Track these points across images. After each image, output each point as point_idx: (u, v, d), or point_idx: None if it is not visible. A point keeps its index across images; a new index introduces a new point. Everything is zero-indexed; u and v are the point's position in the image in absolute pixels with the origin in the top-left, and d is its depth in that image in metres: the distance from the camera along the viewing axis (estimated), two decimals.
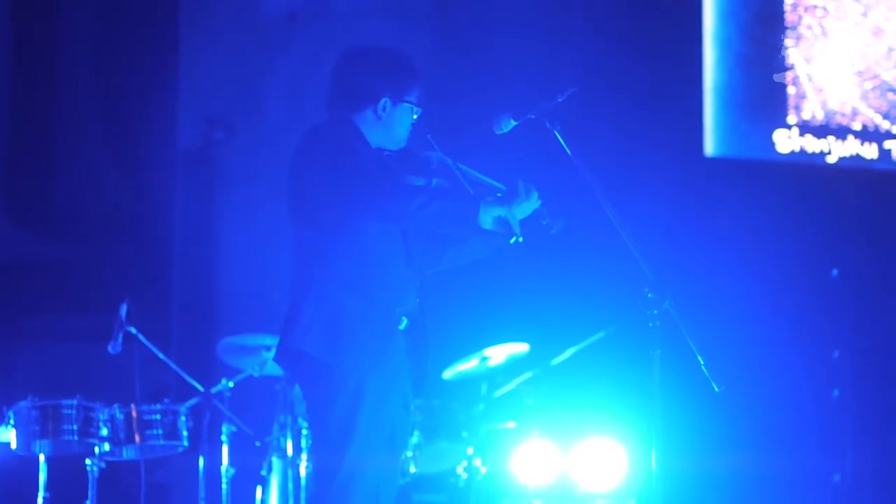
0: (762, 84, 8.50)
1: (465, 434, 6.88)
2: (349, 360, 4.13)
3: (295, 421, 6.40)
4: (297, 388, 6.13)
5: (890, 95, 8.67)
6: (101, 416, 6.11)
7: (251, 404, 6.78)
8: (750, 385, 7.45)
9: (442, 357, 6.92)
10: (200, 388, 6.43)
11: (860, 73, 8.64)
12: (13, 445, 6.06)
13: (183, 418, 6.28)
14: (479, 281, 7.03)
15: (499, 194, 4.18)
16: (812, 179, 8.50)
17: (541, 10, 8.28)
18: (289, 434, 6.40)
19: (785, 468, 8.00)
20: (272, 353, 6.20)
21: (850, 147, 8.56)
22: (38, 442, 6.05)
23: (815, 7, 8.61)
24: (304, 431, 6.36)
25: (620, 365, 6.94)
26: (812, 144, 8.52)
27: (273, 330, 6.17)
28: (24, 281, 8.06)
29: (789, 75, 8.52)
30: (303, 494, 6.35)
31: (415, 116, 4.37)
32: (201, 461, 6.46)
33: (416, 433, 6.65)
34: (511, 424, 7.25)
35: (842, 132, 8.57)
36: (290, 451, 6.40)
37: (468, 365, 6.97)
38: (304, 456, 6.35)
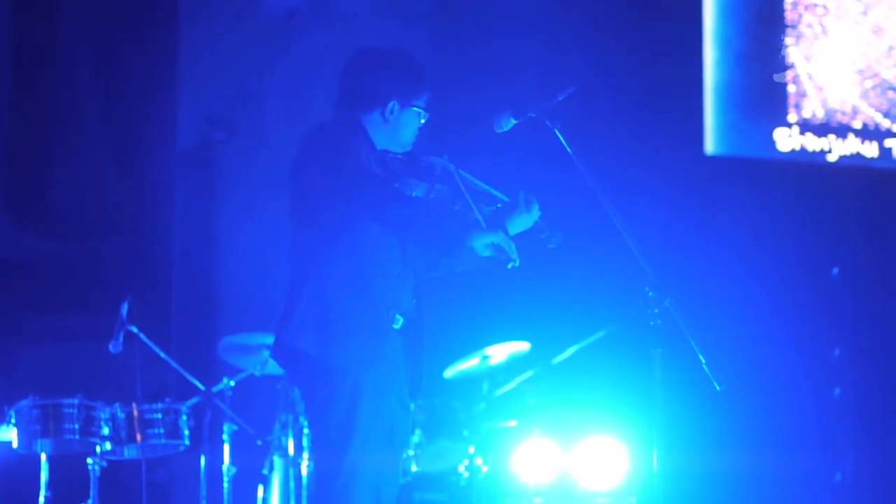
0: (762, 83, 8.50)
1: (466, 433, 6.89)
2: (343, 357, 4.14)
3: (296, 420, 6.40)
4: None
5: (890, 94, 8.67)
6: (102, 415, 6.11)
7: (252, 403, 6.78)
8: (751, 384, 7.45)
9: (442, 356, 6.93)
10: (201, 387, 6.43)
11: (860, 72, 8.64)
12: (14, 444, 6.06)
13: (184, 417, 6.27)
14: (480, 280, 7.02)
15: (499, 205, 4.19)
16: (812, 178, 8.50)
17: (541, 9, 8.28)
18: (290, 433, 6.41)
19: (786, 467, 8.00)
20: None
21: (850, 145, 8.56)
22: (39, 441, 6.05)
23: (816, 5, 8.61)
24: (306, 430, 6.36)
25: (621, 364, 6.93)
26: (812, 143, 8.52)
27: (273, 329, 6.19)
28: (24, 280, 8.06)
29: (789, 74, 8.52)
30: (304, 493, 6.35)
31: (422, 121, 4.38)
32: (203, 460, 6.46)
33: (418, 432, 6.66)
34: (512, 423, 7.25)
35: (842, 131, 8.57)
36: (291, 450, 6.41)
37: (469, 364, 6.97)
38: (305, 455, 6.36)
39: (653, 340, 3.94)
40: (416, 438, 6.65)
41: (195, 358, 7.14)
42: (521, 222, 4.17)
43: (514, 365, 7.09)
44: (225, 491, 6.45)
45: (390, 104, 4.32)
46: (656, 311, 3.92)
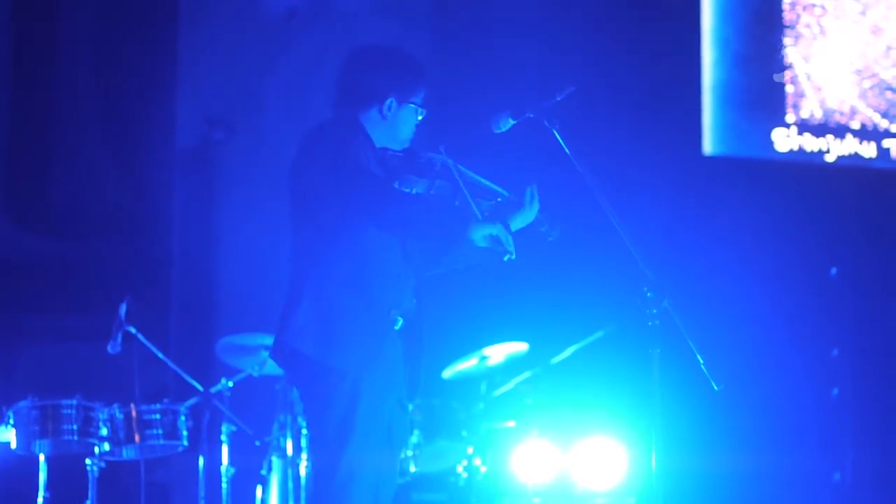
0: (761, 83, 8.50)
1: (464, 433, 6.89)
2: (343, 359, 4.15)
3: (295, 420, 6.40)
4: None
5: (888, 94, 8.67)
6: (100, 416, 6.11)
7: (251, 404, 6.78)
8: (749, 384, 7.45)
9: (440, 357, 6.93)
10: (200, 388, 6.43)
11: (859, 72, 8.65)
12: (13, 445, 6.06)
13: (183, 418, 6.28)
14: (479, 280, 7.03)
15: (498, 199, 4.19)
16: (811, 178, 8.50)
17: (540, 9, 8.28)
18: (288, 433, 6.41)
19: (785, 467, 8.00)
20: None
21: (848, 146, 8.56)
22: (37, 442, 6.05)
23: (814, 6, 8.61)
24: (304, 431, 6.36)
25: (620, 364, 6.94)
26: (811, 143, 8.52)
27: (272, 329, 6.18)
28: (23, 281, 8.06)
29: (788, 74, 8.53)
30: (303, 494, 6.36)
31: (420, 117, 4.39)
32: (201, 461, 6.46)
33: (416, 432, 6.66)
34: (511, 423, 7.26)
35: (840, 131, 8.57)
36: (289, 451, 6.41)
37: (468, 364, 6.97)
38: (303, 455, 6.36)
39: (651, 341, 3.94)
40: (414, 439, 6.65)
41: (194, 358, 7.14)
42: (523, 217, 4.17)
43: (513, 365, 7.09)
44: (223, 491, 6.45)
45: (388, 101, 4.33)
46: (655, 311, 3.92)
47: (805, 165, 8.52)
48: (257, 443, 6.54)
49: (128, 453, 6.25)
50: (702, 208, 8.20)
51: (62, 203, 8.43)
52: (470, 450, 6.92)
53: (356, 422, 4.12)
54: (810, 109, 8.53)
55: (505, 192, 4.24)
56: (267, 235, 7.62)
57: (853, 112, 8.59)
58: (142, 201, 8.27)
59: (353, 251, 4.19)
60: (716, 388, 3.95)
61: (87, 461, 6.11)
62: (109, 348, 6.14)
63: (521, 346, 7.02)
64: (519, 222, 4.16)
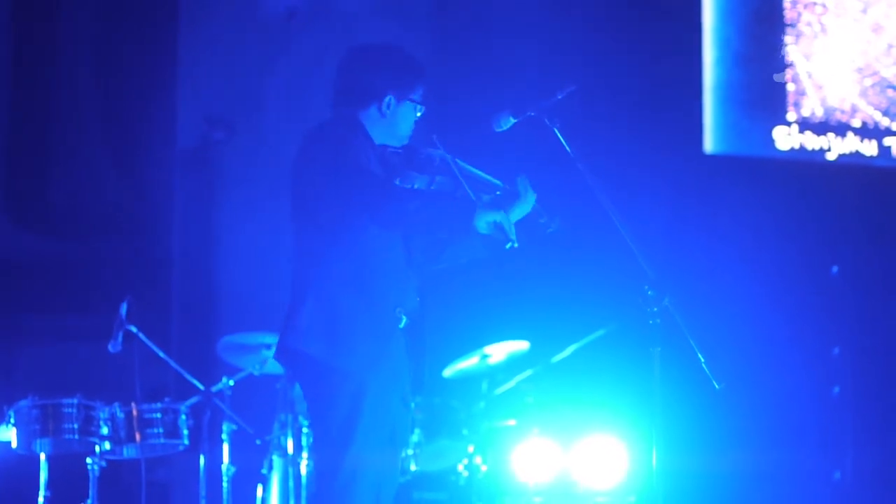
0: (762, 81, 8.50)
1: (465, 432, 6.89)
2: (349, 360, 4.15)
3: (295, 419, 6.40)
4: (297, 387, 6.13)
5: (889, 92, 8.67)
6: (101, 415, 6.10)
7: (251, 403, 6.78)
8: (750, 382, 7.45)
9: (442, 355, 6.93)
10: (201, 387, 6.43)
11: (860, 70, 8.64)
12: (14, 444, 6.05)
13: (183, 417, 6.27)
14: (480, 279, 7.04)
15: (497, 192, 4.19)
16: (812, 176, 8.50)
17: (541, 9, 8.28)
18: (289, 432, 6.40)
19: (785, 465, 8.00)
20: (272, 352, 6.23)
21: (849, 144, 8.56)
22: (38, 441, 6.04)
23: (815, 4, 8.61)
24: (305, 430, 6.36)
25: (621, 362, 6.93)
26: (812, 141, 8.52)
27: (273, 328, 6.18)
28: (24, 280, 8.06)
29: (789, 72, 8.52)
30: (303, 493, 6.35)
31: (418, 114, 4.39)
32: (202, 460, 6.46)
33: (417, 431, 6.66)
34: (511, 422, 7.26)
35: (841, 129, 8.57)
36: (290, 450, 6.41)
37: (468, 363, 6.97)
38: (304, 454, 6.36)
39: (652, 339, 3.94)
40: (415, 437, 6.64)
41: (194, 357, 7.14)
42: (521, 208, 4.17)
43: (514, 364, 7.09)
44: (224, 490, 6.45)
45: (386, 98, 4.33)
46: (655, 309, 3.92)
47: (806, 164, 8.52)
48: (258, 441, 6.54)
49: (128, 452, 6.25)
50: (703, 207, 8.20)
51: (62, 203, 8.43)
52: (471, 448, 6.92)
53: (360, 421, 4.12)
54: (811, 108, 8.53)
55: (503, 185, 4.25)
56: (267, 234, 7.63)
57: (854, 110, 8.59)
58: (142, 201, 8.27)
59: (355, 251, 4.19)
60: (717, 386, 3.95)
61: (88, 460, 6.10)
62: (110, 347, 6.14)
63: (522, 345, 7.02)
64: (517, 213, 4.16)
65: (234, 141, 8.16)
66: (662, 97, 8.13)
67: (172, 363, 6.45)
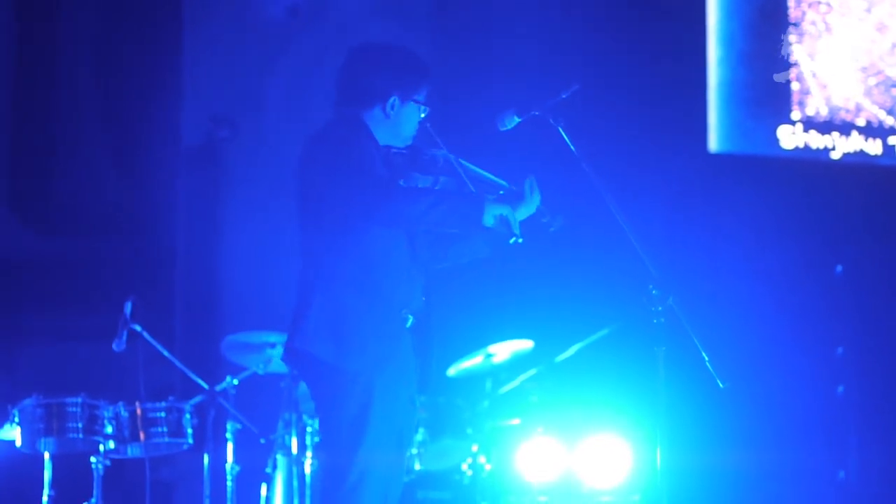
0: (766, 80, 8.49)
1: (469, 431, 6.89)
2: (357, 361, 4.15)
3: (300, 418, 6.40)
4: (301, 386, 6.14)
5: (894, 91, 8.66)
6: (105, 414, 6.11)
7: (256, 402, 6.78)
8: (754, 382, 7.45)
9: (446, 354, 6.93)
10: (205, 386, 6.43)
11: (864, 69, 8.64)
12: (18, 443, 6.06)
13: (188, 416, 6.28)
14: (484, 278, 7.04)
15: (501, 192, 4.20)
16: (816, 175, 8.50)
17: (542, 8, 8.28)
18: (293, 431, 6.40)
19: (789, 465, 8.00)
20: (277, 351, 6.24)
21: (854, 143, 8.55)
22: (42, 440, 6.05)
23: (819, 3, 8.60)
24: (309, 429, 6.36)
25: (625, 362, 6.94)
26: (816, 140, 8.51)
27: (277, 327, 6.20)
28: (26, 279, 8.06)
29: (793, 71, 8.52)
30: (308, 492, 6.35)
31: (422, 115, 4.38)
32: (206, 459, 6.46)
33: (421, 430, 6.66)
34: (516, 421, 7.25)
35: (846, 128, 8.56)
36: (294, 449, 6.40)
37: (473, 362, 6.97)
38: (308, 453, 6.36)
39: (656, 338, 3.94)
40: (419, 437, 6.65)
41: (198, 356, 7.14)
42: (526, 208, 4.17)
43: (518, 363, 7.09)
44: (228, 489, 6.45)
45: (391, 99, 4.33)
46: (660, 308, 3.92)
47: (810, 163, 8.51)
48: (262, 441, 6.53)
49: (133, 451, 6.25)
50: (707, 206, 8.20)
51: (65, 202, 8.43)
52: (475, 447, 6.92)
53: (369, 422, 4.12)
54: (816, 107, 8.53)
55: (506, 184, 4.25)
56: (270, 233, 7.64)
57: (859, 109, 8.59)
58: (144, 200, 8.27)
59: (361, 251, 4.19)
60: (721, 385, 3.95)
61: (92, 459, 6.10)
62: (115, 346, 6.14)
63: (526, 344, 7.02)
64: (522, 213, 4.17)
65: (236, 139, 8.16)
66: (667, 96, 8.13)
67: (177, 362, 6.45)
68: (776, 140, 8.47)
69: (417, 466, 6.67)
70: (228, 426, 6.51)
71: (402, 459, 4.31)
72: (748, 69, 8.47)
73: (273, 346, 6.36)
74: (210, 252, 8.17)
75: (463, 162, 4.26)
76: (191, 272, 8.19)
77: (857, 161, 8.55)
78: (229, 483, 6.46)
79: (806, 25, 8.58)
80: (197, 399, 6.41)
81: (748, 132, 8.47)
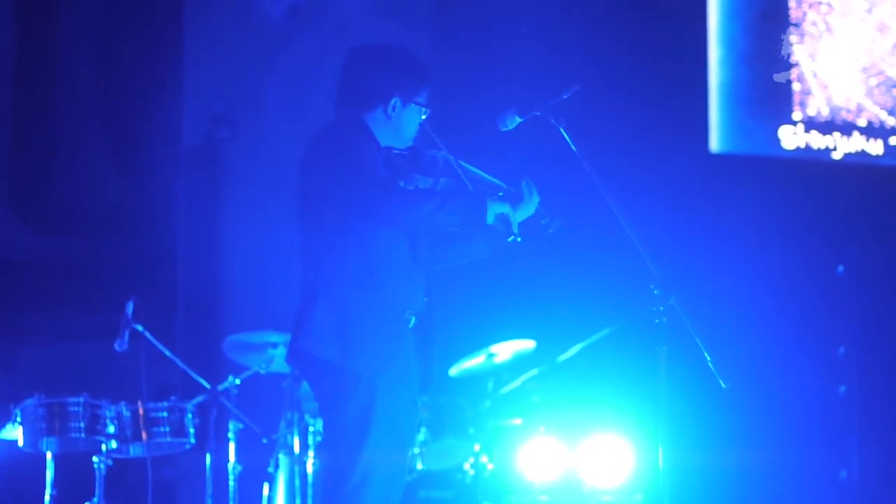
0: (767, 80, 8.49)
1: (471, 431, 6.89)
2: (360, 362, 4.15)
3: (302, 418, 6.40)
4: (303, 386, 6.14)
5: (895, 91, 8.67)
6: (107, 414, 6.11)
7: (258, 401, 6.79)
8: (756, 381, 7.46)
9: (448, 354, 6.93)
10: (207, 386, 6.44)
11: (865, 70, 8.64)
12: (20, 443, 6.06)
13: (190, 415, 6.28)
14: (486, 278, 7.04)
15: (500, 193, 4.20)
16: (817, 175, 8.50)
17: (543, 8, 8.27)
18: (296, 431, 6.40)
19: (791, 464, 8.00)
20: (279, 351, 6.24)
21: (855, 143, 8.56)
22: (44, 439, 6.05)
23: (820, 3, 8.60)
24: (311, 428, 6.36)
25: (627, 361, 6.95)
26: (817, 140, 8.51)
27: (278, 326, 6.20)
28: (27, 279, 8.07)
29: (794, 72, 8.52)
30: (310, 491, 6.35)
31: (423, 117, 4.39)
32: (208, 458, 6.46)
33: (423, 430, 6.66)
34: (517, 421, 7.26)
35: (847, 128, 8.56)
36: (296, 448, 6.40)
37: (475, 362, 6.97)
38: (310, 453, 6.36)
39: (658, 338, 3.94)
40: (421, 436, 6.65)
41: (200, 356, 7.14)
42: (524, 210, 4.18)
43: (520, 363, 7.09)
44: (230, 489, 6.45)
45: (392, 101, 4.33)
46: (661, 308, 3.92)
47: (812, 163, 8.51)
48: (264, 440, 6.53)
49: (135, 451, 6.26)
50: (708, 206, 8.20)
51: (65, 203, 8.44)
52: (477, 447, 6.92)
53: (373, 423, 4.13)
54: (817, 107, 8.53)
55: (505, 185, 4.27)
56: (271, 232, 7.64)
57: (860, 109, 8.59)
58: (145, 200, 8.27)
59: (363, 252, 4.19)
60: (723, 385, 3.95)
61: (94, 459, 6.11)
62: (117, 346, 6.15)
63: (528, 344, 7.02)
64: (521, 214, 4.18)
65: (236, 139, 8.16)
66: (668, 96, 8.13)
67: (178, 362, 6.46)
68: (777, 140, 8.47)
69: (419, 466, 6.68)
70: (230, 426, 6.51)
71: (404, 459, 4.32)
72: (749, 69, 8.47)
73: (275, 345, 6.36)
74: (210, 252, 8.17)
75: (462, 163, 4.27)
76: (191, 272, 8.19)
77: (858, 161, 8.55)
78: (231, 483, 6.46)
79: (807, 26, 8.58)
80: (199, 399, 6.42)
81: (749, 132, 8.47)
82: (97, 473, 6.09)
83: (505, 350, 6.98)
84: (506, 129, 4.25)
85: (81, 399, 6.03)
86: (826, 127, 8.53)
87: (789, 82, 8.51)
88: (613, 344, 7.22)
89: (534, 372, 7.22)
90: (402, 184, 4.22)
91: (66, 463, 6.16)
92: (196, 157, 8.21)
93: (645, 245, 3.96)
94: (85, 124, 8.50)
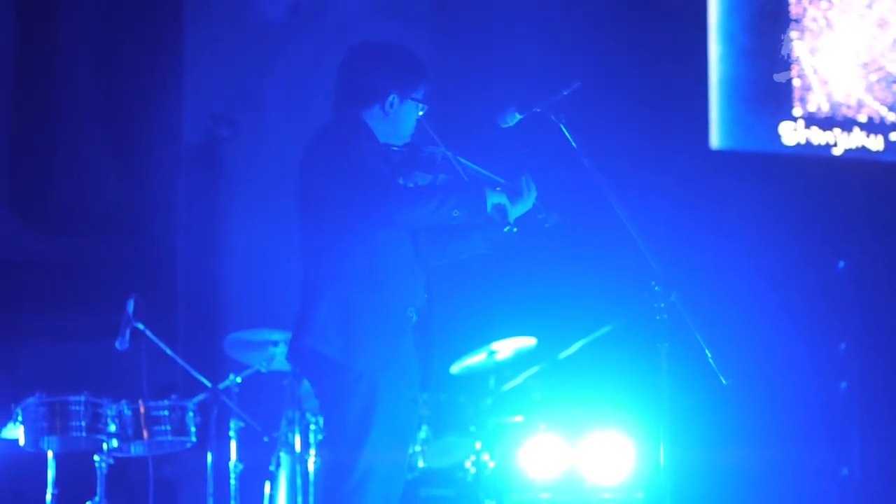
0: (767, 77, 8.49)
1: (472, 428, 6.89)
2: (363, 360, 4.16)
3: (303, 416, 6.40)
4: (304, 384, 6.14)
5: (895, 87, 8.66)
6: (109, 413, 6.12)
7: (259, 400, 6.79)
8: (757, 378, 7.45)
9: (449, 351, 6.93)
10: (208, 384, 6.44)
11: (865, 65, 8.64)
12: (21, 442, 6.06)
13: (191, 414, 6.28)
14: (487, 275, 7.03)
15: (497, 188, 4.21)
16: (818, 171, 8.50)
17: (543, 6, 8.27)
18: (297, 429, 6.40)
19: (792, 461, 8.00)
20: (279, 349, 6.24)
21: (855, 139, 8.55)
22: (46, 438, 6.05)
23: None
24: (312, 426, 6.37)
25: (628, 358, 6.95)
26: (818, 136, 8.51)
27: (279, 325, 6.20)
28: (27, 279, 8.06)
29: (794, 68, 8.52)
30: (311, 489, 6.36)
31: (421, 113, 4.39)
32: (209, 457, 6.46)
33: (425, 428, 6.66)
34: (519, 418, 7.26)
35: (847, 124, 8.56)
36: (298, 447, 6.41)
37: (476, 359, 6.98)
38: (312, 451, 6.36)
39: (659, 335, 3.94)
40: (422, 434, 6.65)
41: (201, 355, 7.14)
42: (522, 204, 4.19)
43: (521, 360, 7.09)
44: (232, 487, 6.45)
45: (390, 98, 4.34)
46: (662, 305, 3.92)
47: (812, 159, 8.51)
48: (266, 439, 6.53)
49: (136, 450, 6.26)
50: (709, 202, 8.20)
51: (65, 202, 8.43)
52: (478, 445, 6.92)
53: (374, 420, 4.13)
54: (817, 103, 8.53)
55: (503, 180, 4.27)
56: (271, 231, 7.64)
57: (860, 105, 8.59)
58: (145, 199, 8.26)
59: (365, 250, 4.19)
60: (724, 382, 3.95)
61: (96, 458, 6.11)
62: (118, 345, 6.15)
63: (529, 341, 7.02)
64: (518, 209, 4.18)
65: (236, 139, 8.16)
66: (668, 93, 8.13)
67: (179, 360, 6.46)
68: (778, 136, 8.47)
69: (421, 464, 6.68)
70: (231, 424, 6.51)
71: (405, 457, 4.32)
72: (749, 66, 8.47)
73: (276, 343, 6.36)
74: (211, 251, 8.17)
75: (461, 160, 4.27)
76: (192, 271, 8.19)
77: (858, 157, 8.55)
78: (233, 481, 6.46)
79: (807, 22, 8.58)
80: (200, 397, 6.42)
81: (750, 129, 8.47)
82: (98, 472, 6.10)
83: (506, 347, 6.98)
84: (505, 125, 4.25)
85: (82, 398, 6.04)
86: (826, 123, 8.53)
87: (790, 79, 8.51)
88: (614, 341, 7.22)
89: (535, 369, 7.22)
90: (401, 181, 4.22)
91: (67, 462, 6.16)
92: (196, 156, 8.20)
93: (646, 242, 3.96)
94: (85, 124, 8.49)
